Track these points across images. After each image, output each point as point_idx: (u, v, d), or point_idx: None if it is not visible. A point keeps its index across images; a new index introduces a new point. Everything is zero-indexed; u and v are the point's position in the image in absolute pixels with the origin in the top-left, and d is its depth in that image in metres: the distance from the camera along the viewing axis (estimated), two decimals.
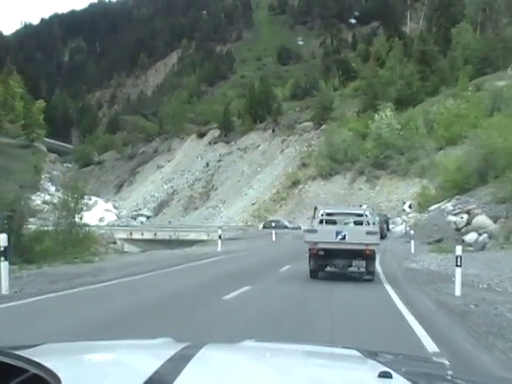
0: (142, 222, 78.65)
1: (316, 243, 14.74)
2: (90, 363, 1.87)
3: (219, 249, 26.34)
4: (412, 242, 25.29)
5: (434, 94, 67.20)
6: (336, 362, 2.05)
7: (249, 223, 62.94)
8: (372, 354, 2.09)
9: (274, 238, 37.10)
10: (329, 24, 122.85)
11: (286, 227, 47.72)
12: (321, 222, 15.46)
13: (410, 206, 44.02)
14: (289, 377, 1.68)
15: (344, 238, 14.61)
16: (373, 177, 57.57)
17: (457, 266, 11.35)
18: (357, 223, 15.62)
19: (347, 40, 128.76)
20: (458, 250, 11.62)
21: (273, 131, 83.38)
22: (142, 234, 52.18)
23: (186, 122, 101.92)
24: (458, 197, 36.55)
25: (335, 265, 15.10)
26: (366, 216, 15.69)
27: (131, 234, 50.97)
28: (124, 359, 1.90)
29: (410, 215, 43.14)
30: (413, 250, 24.19)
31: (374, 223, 15.81)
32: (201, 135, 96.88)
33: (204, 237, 46.40)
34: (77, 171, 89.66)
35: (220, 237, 28.12)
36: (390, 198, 53.40)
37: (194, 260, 21.46)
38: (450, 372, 2.28)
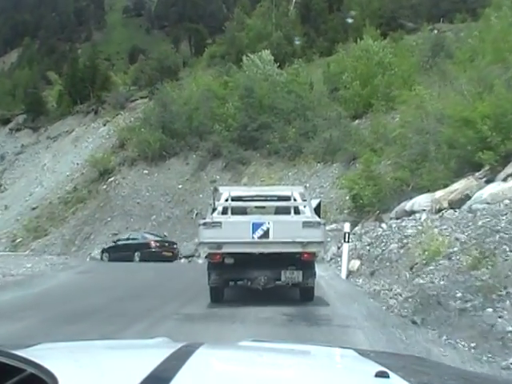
0: None
1: (219, 245, 7.59)
2: (87, 363, 1.61)
3: None
4: None
5: (325, 55, 40.85)
6: (333, 362, 1.86)
7: (18, 240, 32.29)
8: (369, 354, 1.90)
9: None
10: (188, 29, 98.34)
11: None
12: (224, 211, 8.16)
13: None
14: (285, 377, 1.51)
15: (266, 234, 7.64)
16: (237, 161, 29.11)
17: None
18: (282, 211, 8.54)
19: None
20: None
21: (95, 113, 53.04)
22: None
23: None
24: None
25: (252, 280, 7.81)
26: (295, 200, 8.55)
27: None
28: (121, 359, 1.69)
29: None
30: None
31: (310, 210, 8.42)
32: (5, 121, 64.41)
33: None
34: None
35: None
36: None
37: None
38: (447, 372, 1.96)
